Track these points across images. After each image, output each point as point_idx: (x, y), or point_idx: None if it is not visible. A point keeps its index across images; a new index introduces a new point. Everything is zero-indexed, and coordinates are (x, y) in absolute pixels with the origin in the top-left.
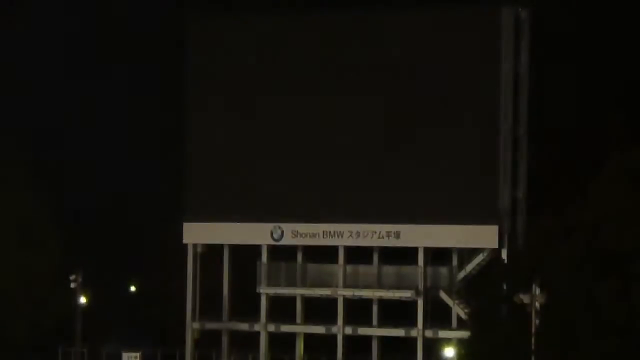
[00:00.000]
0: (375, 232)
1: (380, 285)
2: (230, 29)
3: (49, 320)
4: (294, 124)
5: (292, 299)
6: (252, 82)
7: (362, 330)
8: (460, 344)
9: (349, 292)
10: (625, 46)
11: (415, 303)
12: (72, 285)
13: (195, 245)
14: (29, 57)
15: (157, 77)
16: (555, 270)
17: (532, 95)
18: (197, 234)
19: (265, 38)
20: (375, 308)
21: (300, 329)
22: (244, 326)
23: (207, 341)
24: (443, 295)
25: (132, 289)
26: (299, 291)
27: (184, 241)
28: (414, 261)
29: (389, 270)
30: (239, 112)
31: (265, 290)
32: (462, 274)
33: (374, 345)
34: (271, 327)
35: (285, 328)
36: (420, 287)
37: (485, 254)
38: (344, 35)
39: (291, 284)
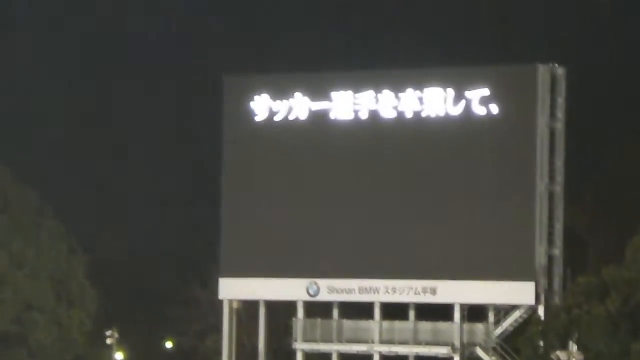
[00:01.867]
0: (412, 288)
1: (416, 342)
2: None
3: None
4: (331, 182)
5: (328, 356)
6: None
7: None
8: None
9: (384, 348)
10: None
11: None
12: (109, 341)
13: (230, 301)
14: None
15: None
16: (591, 328)
17: (568, 151)
18: (232, 289)
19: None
20: None
21: None
22: None
23: None
24: (479, 352)
25: (168, 345)
26: (334, 347)
27: (220, 297)
28: (450, 317)
29: (425, 326)
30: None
31: (300, 346)
32: (498, 331)
33: None
34: None
35: None
36: (457, 343)
37: (522, 311)
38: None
39: (327, 339)
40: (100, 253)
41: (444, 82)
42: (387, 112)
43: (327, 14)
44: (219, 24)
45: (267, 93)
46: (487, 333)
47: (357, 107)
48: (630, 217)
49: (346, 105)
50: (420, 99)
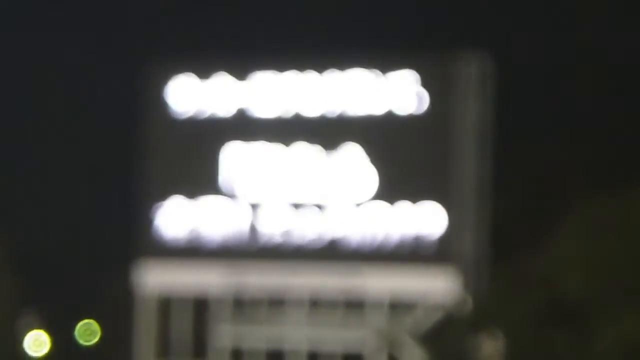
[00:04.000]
0: (337, 276)
1: (341, 331)
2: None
3: None
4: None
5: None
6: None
7: None
8: None
9: (309, 336)
10: (587, 90)
11: (377, 350)
12: (25, 326)
13: (149, 286)
14: None
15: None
16: (515, 319)
17: (494, 142)
18: (151, 274)
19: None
20: (336, 355)
21: None
22: None
23: None
24: (403, 342)
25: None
26: (258, 335)
27: (138, 282)
28: (376, 308)
29: (352, 316)
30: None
31: (222, 331)
32: (422, 322)
33: None
34: None
35: None
36: (381, 334)
37: (446, 302)
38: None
39: (249, 326)
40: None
41: (370, 65)
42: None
43: None
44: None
45: (186, 76)
46: (411, 324)
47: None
48: (556, 207)
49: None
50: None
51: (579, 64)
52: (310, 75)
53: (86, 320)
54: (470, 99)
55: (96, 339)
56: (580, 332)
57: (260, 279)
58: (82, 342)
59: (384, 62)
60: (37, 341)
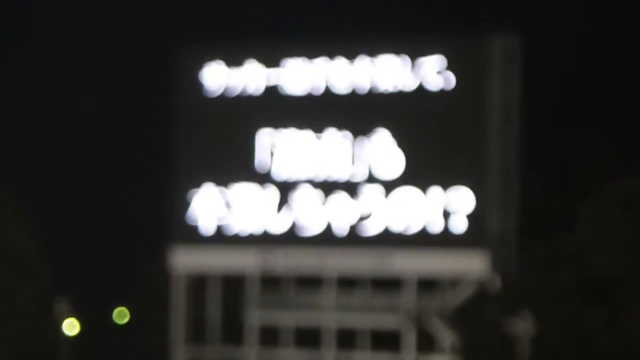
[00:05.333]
0: (365, 259)
1: (370, 312)
2: None
3: (36, 348)
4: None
5: (281, 327)
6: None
7: (352, 357)
8: None
9: (338, 319)
10: (613, 73)
11: (405, 330)
12: (59, 312)
13: (182, 271)
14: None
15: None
16: (544, 299)
17: (522, 124)
18: (184, 259)
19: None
20: (364, 335)
21: (289, 355)
22: (232, 352)
23: None
24: (434, 322)
25: (121, 319)
26: (287, 318)
27: (171, 267)
28: (405, 288)
29: (379, 297)
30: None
31: (253, 317)
32: (452, 302)
33: None
34: (260, 353)
35: (274, 354)
36: (411, 314)
37: (476, 281)
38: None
39: (280, 310)
40: (49, 222)
41: (398, 51)
42: (341, 80)
43: None
44: None
45: (219, 62)
46: (442, 303)
47: (310, 76)
48: (585, 186)
49: (300, 73)
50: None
51: (606, 44)
52: (341, 61)
53: (121, 307)
54: (497, 81)
55: (127, 320)
56: (611, 309)
57: (291, 262)
58: (117, 322)
59: (412, 46)
60: (70, 325)
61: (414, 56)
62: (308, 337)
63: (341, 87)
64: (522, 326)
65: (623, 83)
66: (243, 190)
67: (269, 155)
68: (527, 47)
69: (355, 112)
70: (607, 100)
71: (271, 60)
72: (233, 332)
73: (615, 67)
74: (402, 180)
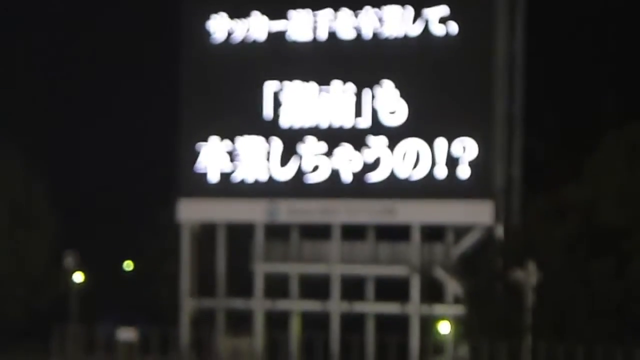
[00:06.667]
0: (370, 209)
1: (375, 262)
2: None
3: (43, 300)
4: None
5: (287, 277)
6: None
7: (358, 307)
8: (455, 320)
9: (344, 269)
10: (620, 22)
11: (410, 280)
12: (67, 264)
13: (189, 223)
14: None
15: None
16: (549, 249)
17: (527, 72)
18: (191, 211)
19: None
20: (370, 285)
21: (295, 305)
22: (239, 303)
23: (203, 320)
24: (438, 271)
25: (128, 267)
26: (294, 268)
27: (179, 219)
28: (409, 238)
29: (385, 247)
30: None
31: (260, 268)
32: (457, 251)
33: (369, 323)
34: (267, 305)
35: (281, 305)
36: (416, 263)
37: (481, 231)
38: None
39: (286, 261)
40: (58, 175)
41: (403, 1)
42: (346, 31)
43: None
44: None
45: (224, 12)
46: (446, 253)
47: (315, 26)
48: (590, 138)
49: (304, 24)
50: (379, 19)
51: None
52: (345, 12)
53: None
54: (502, 31)
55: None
56: (616, 260)
57: (297, 214)
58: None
59: None
60: (79, 278)
61: (418, 6)
62: (314, 288)
63: (346, 39)
64: (527, 276)
65: (629, 33)
66: (249, 141)
67: (275, 106)
68: None
69: (359, 63)
70: (613, 50)
71: (276, 12)
72: (241, 283)
73: (620, 18)
74: (407, 131)
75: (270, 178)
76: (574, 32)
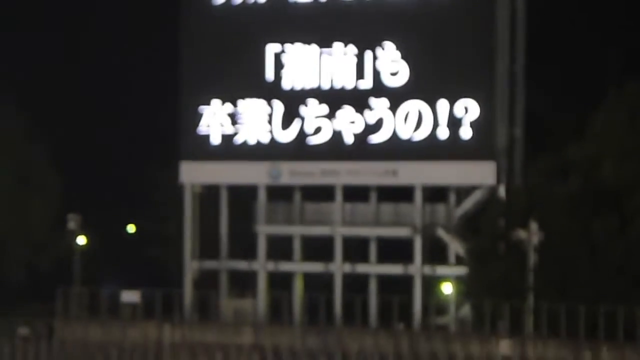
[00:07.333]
0: (373, 170)
1: (378, 223)
2: None
3: (47, 262)
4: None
5: (290, 239)
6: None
7: (361, 268)
8: (458, 280)
9: (346, 230)
10: None
11: (413, 241)
12: (70, 227)
13: (192, 186)
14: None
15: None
16: (552, 208)
17: (529, 31)
18: (193, 173)
19: None
20: (373, 246)
21: (298, 267)
22: (242, 265)
23: (206, 282)
24: (441, 232)
25: (130, 230)
26: (296, 230)
27: (181, 181)
28: (412, 199)
29: (387, 208)
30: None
31: (262, 230)
32: (459, 212)
33: (372, 283)
34: (270, 266)
35: (284, 266)
36: (418, 224)
37: (483, 192)
38: None
39: (289, 222)
40: (61, 138)
41: None
42: None
43: None
44: None
45: None
46: (448, 214)
47: None
48: (591, 97)
49: None
50: None
51: None
52: None
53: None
54: None
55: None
56: (617, 217)
57: (299, 176)
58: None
59: None
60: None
61: None
62: (317, 250)
63: (347, 0)
64: (529, 236)
65: None
66: (251, 104)
67: (277, 69)
68: None
69: (361, 25)
70: (616, 10)
71: None
72: (243, 245)
73: None
74: (409, 92)
75: (272, 140)
76: None
